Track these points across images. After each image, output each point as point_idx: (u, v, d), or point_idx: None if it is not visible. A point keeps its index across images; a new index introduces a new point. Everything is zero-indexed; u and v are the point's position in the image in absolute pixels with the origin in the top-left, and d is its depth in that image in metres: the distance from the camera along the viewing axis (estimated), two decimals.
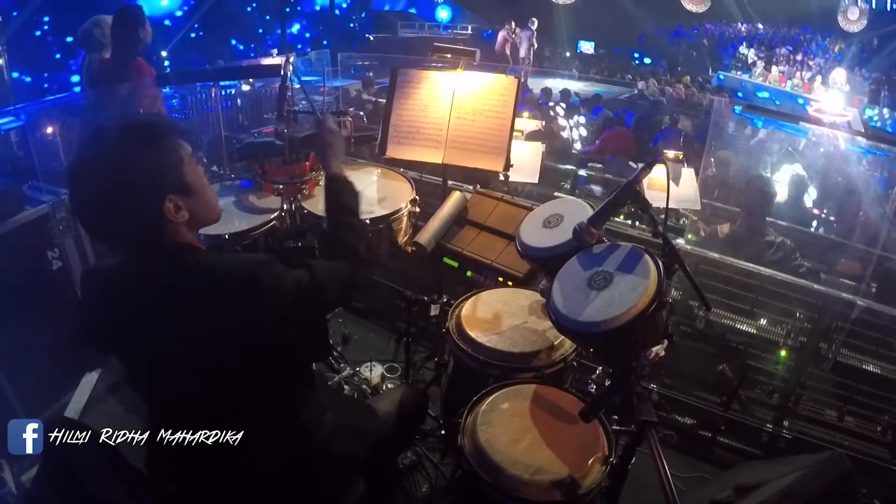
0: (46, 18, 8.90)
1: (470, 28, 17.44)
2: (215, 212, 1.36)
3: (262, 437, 1.34)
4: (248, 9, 13.64)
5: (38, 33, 8.87)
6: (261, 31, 14.23)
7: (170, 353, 1.25)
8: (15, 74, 8.16)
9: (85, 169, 1.19)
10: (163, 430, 1.34)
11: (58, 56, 9.13)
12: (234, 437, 1.30)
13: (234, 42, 13.19)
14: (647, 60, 18.06)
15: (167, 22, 11.44)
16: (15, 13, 8.00)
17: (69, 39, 8.62)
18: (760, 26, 18.52)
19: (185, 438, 1.32)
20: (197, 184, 1.27)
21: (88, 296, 1.35)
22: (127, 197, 1.17)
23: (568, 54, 18.04)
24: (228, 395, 1.28)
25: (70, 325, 1.42)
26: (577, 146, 7.72)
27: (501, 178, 2.58)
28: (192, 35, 12.01)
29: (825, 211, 5.46)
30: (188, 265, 1.23)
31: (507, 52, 13.81)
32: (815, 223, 5.11)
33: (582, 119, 8.43)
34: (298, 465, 1.42)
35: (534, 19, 13.59)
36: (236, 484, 1.36)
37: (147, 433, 1.38)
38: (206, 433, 1.30)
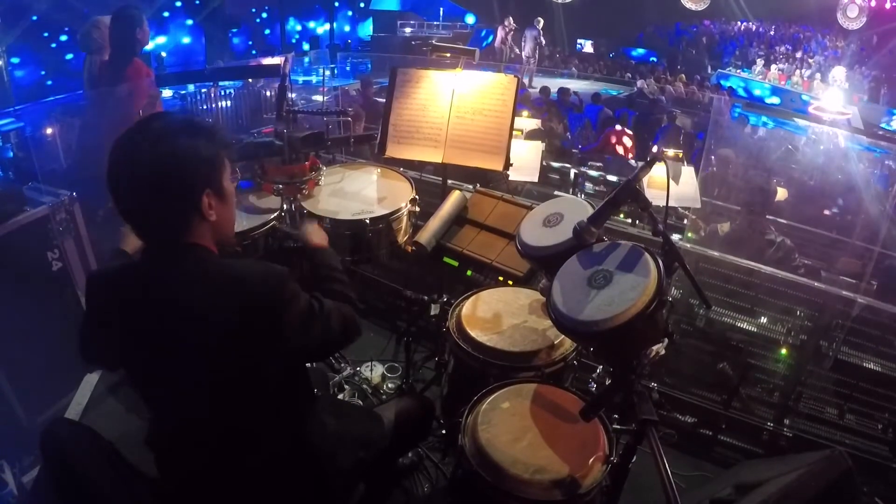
0: None
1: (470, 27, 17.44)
2: (232, 229, 1.39)
3: (264, 447, 1.34)
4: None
5: (34, 17, 8.72)
6: (258, 20, 14.12)
7: (173, 355, 1.23)
8: (15, 60, 8.10)
9: (140, 137, 1.19)
10: (165, 437, 1.35)
11: (53, 45, 9.02)
12: (236, 448, 1.30)
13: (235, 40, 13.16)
14: (635, 53, 17.90)
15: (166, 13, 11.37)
16: None
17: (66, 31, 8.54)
18: (760, 24, 18.52)
19: (187, 446, 1.32)
20: (229, 193, 1.32)
21: (94, 300, 1.33)
22: (175, 172, 1.18)
23: (568, 52, 18.04)
24: (228, 404, 1.27)
25: (77, 342, 1.39)
26: None
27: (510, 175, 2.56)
28: (190, 22, 11.89)
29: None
30: (205, 265, 1.24)
31: (505, 48, 13.77)
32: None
33: None
34: (303, 477, 1.42)
35: (539, 18, 13.30)
36: (239, 495, 1.35)
37: (151, 438, 1.38)
38: (207, 442, 1.30)
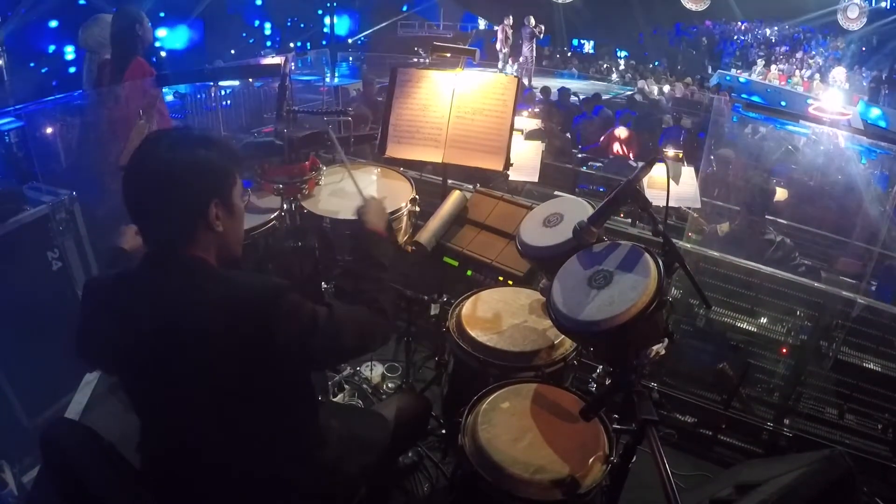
0: None
1: (469, 27, 17.45)
2: (239, 247, 1.40)
3: (266, 457, 1.33)
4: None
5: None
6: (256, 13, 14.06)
7: (168, 367, 1.22)
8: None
9: (160, 142, 1.25)
10: (160, 447, 1.35)
11: (55, 24, 8.91)
12: (237, 457, 1.30)
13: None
14: (621, 54, 17.83)
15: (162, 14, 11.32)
16: None
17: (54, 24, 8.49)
18: (760, 25, 18.53)
19: (181, 460, 1.31)
20: (238, 210, 1.34)
21: (88, 307, 1.33)
22: (188, 176, 1.23)
23: (568, 53, 18.05)
24: (228, 415, 1.26)
25: (73, 341, 1.39)
26: None
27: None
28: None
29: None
30: (202, 278, 1.23)
31: (505, 49, 13.73)
32: None
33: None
34: (310, 487, 1.42)
35: (530, 17, 13.13)
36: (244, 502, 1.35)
37: (144, 448, 1.38)
38: (203, 456, 1.29)
